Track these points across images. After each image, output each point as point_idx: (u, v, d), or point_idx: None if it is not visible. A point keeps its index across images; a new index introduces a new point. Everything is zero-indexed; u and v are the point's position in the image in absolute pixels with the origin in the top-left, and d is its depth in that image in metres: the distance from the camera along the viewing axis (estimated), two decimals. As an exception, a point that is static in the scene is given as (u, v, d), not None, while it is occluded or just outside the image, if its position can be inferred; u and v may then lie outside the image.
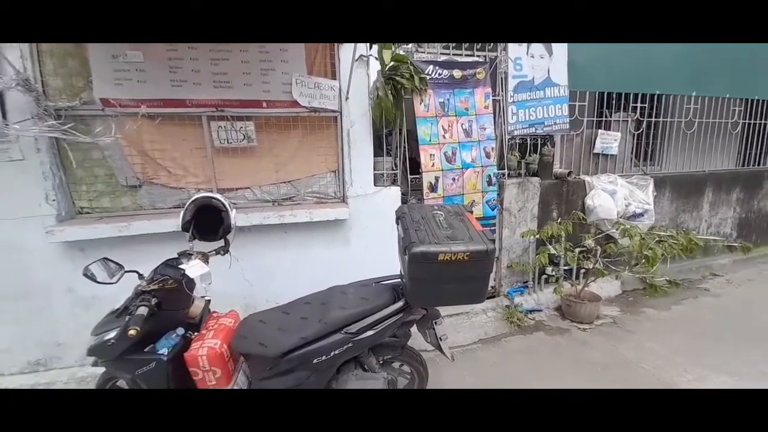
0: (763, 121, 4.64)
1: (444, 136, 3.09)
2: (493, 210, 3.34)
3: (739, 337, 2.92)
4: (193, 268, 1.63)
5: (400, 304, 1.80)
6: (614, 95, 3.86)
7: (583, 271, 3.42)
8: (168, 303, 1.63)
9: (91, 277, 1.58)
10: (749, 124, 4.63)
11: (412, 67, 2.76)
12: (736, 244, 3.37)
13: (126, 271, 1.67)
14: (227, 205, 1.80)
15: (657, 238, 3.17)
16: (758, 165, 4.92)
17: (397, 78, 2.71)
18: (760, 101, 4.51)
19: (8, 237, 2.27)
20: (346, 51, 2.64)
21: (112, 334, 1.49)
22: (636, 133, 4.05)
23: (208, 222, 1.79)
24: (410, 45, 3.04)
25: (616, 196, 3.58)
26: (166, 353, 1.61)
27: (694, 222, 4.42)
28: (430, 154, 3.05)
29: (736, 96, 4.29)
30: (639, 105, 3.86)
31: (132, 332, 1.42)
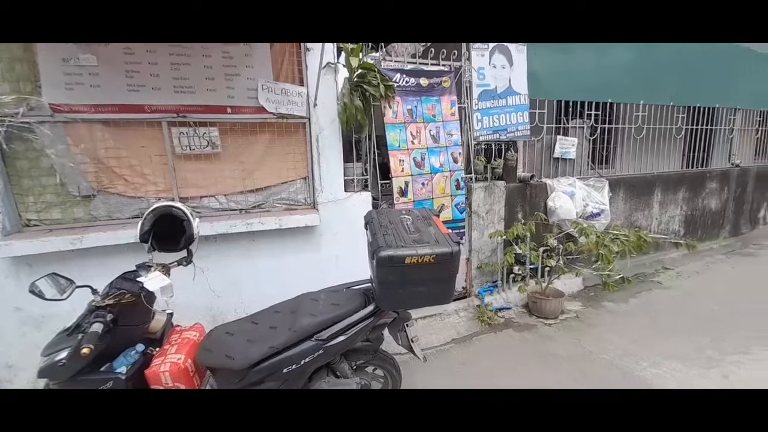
0: (704, 126, 5.08)
1: (413, 142, 3.15)
2: (462, 213, 3.44)
3: (689, 326, 3.15)
4: (152, 281, 1.57)
5: (370, 308, 1.81)
6: (571, 103, 4.10)
7: (547, 269, 3.58)
8: (125, 318, 1.55)
9: (39, 294, 1.48)
10: (692, 129, 5.05)
11: (379, 75, 2.81)
12: (682, 242, 3.65)
13: (78, 286, 1.57)
14: (189, 214, 1.74)
15: (612, 236, 3.38)
16: (701, 166, 5.38)
17: (365, 85, 2.74)
18: (701, 108, 4.95)
19: (-56, 254, 2.09)
20: (314, 57, 2.64)
21: (63, 354, 1.39)
22: (591, 138, 4.31)
23: (168, 232, 1.72)
24: (378, 53, 3.10)
25: (574, 198, 3.79)
26: (124, 371, 1.52)
27: (646, 220, 4.75)
28: (400, 160, 3.10)
29: (680, 104, 4.68)
30: (594, 112, 4.12)
31: (85, 351, 1.34)
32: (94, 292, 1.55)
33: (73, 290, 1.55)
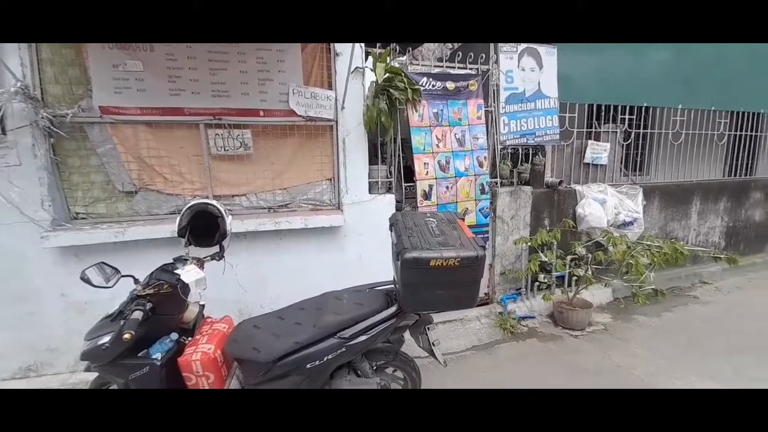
0: (748, 133, 4.78)
1: (438, 146, 3.15)
2: (486, 218, 3.40)
3: (728, 344, 2.96)
4: (188, 274, 1.65)
5: (393, 309, 1.82)
6: (603, 107, 3.97)
7: (574, 278, 3.47)
8: (162, 308, 1.64)
9: (88, 281, 1.59)
10: (735, 135, 4.76)
11: (406, 79, 2.83)
12: (722, 256, 3.43)
13: (122, 276, 1.68)
14: (223, 212, 1.83)
15: (644, 247, 3.23)
16: (745, 175, 5.05)
17: (392, 89, 2.77)
18: (745, 113, 4.66)
19: (3, 241, 2.28)
20: (343, 62, 2.71)
21: (106, 339, 1.49)
22: (625, 143, 4.15)
23: (203, 228, 1.81)
24: (404, 57, 3.13)
25: (606, 205, 3.65)
26: (159, 358, 1.61)
27: (683, 231, 4.51)
28: (424, 163, 3.10)
29: (721, 108, 4.43)
30: (628, 117, 3.97)
31: (126, 336, 1.42)
32: (136, 281, 1.66)
33: (118, 279, 1.66)
